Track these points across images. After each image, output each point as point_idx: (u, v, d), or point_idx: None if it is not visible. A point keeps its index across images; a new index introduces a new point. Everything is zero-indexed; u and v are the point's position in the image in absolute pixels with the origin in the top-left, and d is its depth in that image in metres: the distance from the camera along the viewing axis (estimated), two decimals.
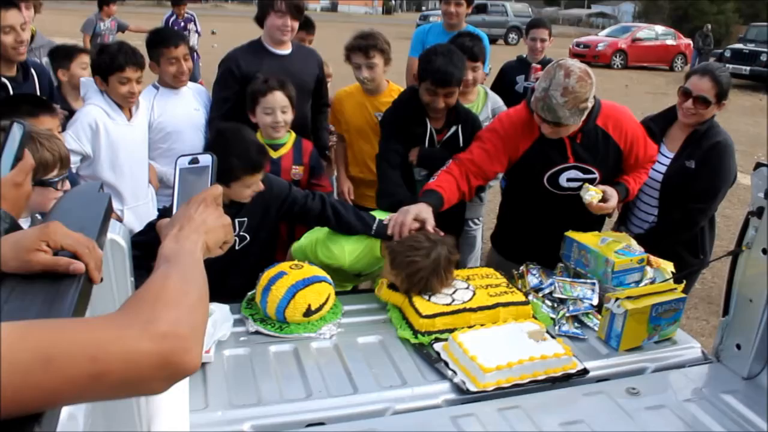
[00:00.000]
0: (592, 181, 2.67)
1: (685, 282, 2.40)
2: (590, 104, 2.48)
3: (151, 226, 2.42)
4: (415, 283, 2.22)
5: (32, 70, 3.14)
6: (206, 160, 1.18)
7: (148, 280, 0.84)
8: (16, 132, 1.03)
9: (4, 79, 2.90)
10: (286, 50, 3.35)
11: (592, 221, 2.74)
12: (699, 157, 2.84)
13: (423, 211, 2.43)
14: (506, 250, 3.02)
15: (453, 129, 2.93)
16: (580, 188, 2.64)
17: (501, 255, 3.04)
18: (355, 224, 2.46)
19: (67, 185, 2.11)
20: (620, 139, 2.66)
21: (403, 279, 2.23)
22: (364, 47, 3.20)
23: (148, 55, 3.25)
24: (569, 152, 2.63)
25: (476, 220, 3.70)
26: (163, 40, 3.22)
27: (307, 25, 4.06)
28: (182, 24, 9.69)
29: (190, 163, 1.18)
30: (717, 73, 2.84)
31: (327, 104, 3.66)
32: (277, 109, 2.86)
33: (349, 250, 2.45)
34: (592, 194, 2.58)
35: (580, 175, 2.67)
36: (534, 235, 2.80)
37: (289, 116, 2.91)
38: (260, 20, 3.33)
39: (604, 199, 2.62)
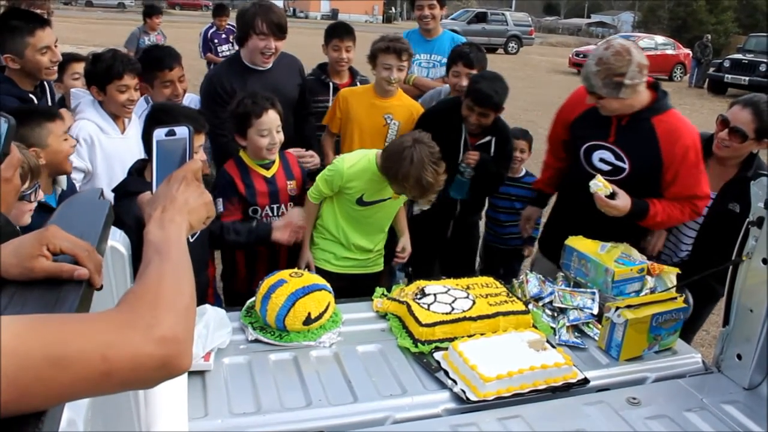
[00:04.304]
0: (621, 170, 2.69)
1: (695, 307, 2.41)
2: (630, 81, 2.50)
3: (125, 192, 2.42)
4: (415, 186, 2.58)
5: (44, 83, 3.08)
6: (183, 132, 1.14)
7: (144, 276, 0.87)
8: (1, 125, 0.98)
9: (30, 95, 2.84)
10: (267, 65, 3.29)
11: (626, 227, 2.69)
12: (745, 201, 2.61)
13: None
14: (550, 249, 3.01)
15: (487, 138, 3.22)
16: (609, 173, 2.68)
17: (546, 256, 3.07)
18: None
19: (41, 195, 2.12)
20: (665, 146, 2.60)
21: (405, 189, 2.63)
22: (398, 50, 3.31)
23: (141, 75, 3.13)
24: (612, 131, 2.69)
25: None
26: (157, 62, 3.12)
27: (347, 32, 3.76)
28: (223, 36, 8.72)
29: (166, 135, 1.14)
30: (761, 106, 2.68)
31: (311, 113, 3.61)
32: (273, 129, 2.76)
33: (347, 158, 2.82)
34: (599, 185, 2.54)
35: (612, 159, 2.71)
36: (574, 230, 2.74)
37: (282, 135, 2.82)
38: (241, 41, 3.28)
39: (612, 197, 2.56)
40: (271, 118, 2.74)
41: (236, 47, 3.45)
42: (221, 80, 3.24)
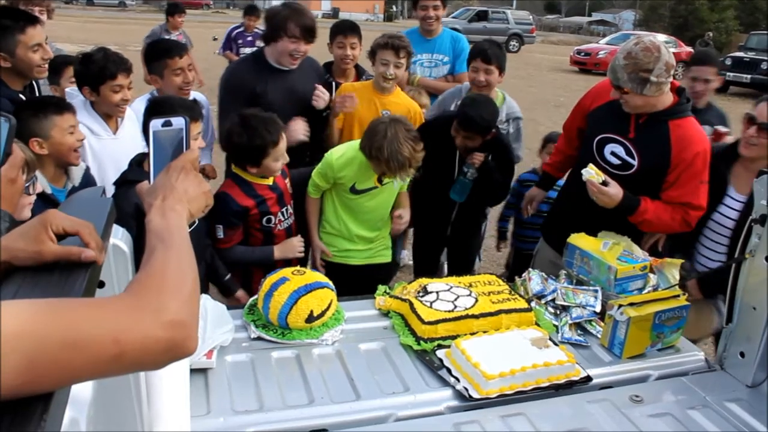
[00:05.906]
0: (629, 166, 2.70)
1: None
2: (656, 78, 2.51)
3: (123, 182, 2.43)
4: (389, 160, 2.68)
5: (32, 83, 3.06)
6: (179, 122, 1.15)
7: (148, 264, 0.89)
8: (2, 125, 0.97)
9: (21, 96, 2.82)
10: (293, 66, 3.27)
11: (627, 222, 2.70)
12: None
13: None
14: (553, 237, 3.02)
15: (484, 155, 3.19)
16: (617, 167, 2.71)
17: (549, 244, 3.08)
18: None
19: (38, 187, 2.12)
20: (676, 150, 2.61)
21: (381, 164, 2.72)
22: (396, 46, 3.34)
23: (149, 68, 3.17)
24: (631, 127, 2.70)
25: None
26: (166, 51, 3.13)
27: (352, 29, 3.73)
28: (250, 39, 8.29)
29: (163, 125, 1.14)
30: None
31: (326, 120, 3.52)
32: (284, 149, 2.75)
33: (336, 150, 2.94)
34: (591, 172, 2.59)
35: (623, 154, 2.72)
36: (577, 218, 2.77)
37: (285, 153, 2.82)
38: (268, 40, 3.25)
39: (605, 184, 2.60)
40: (284, 140, 2.74)
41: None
42: (243, 76, 3.24)
